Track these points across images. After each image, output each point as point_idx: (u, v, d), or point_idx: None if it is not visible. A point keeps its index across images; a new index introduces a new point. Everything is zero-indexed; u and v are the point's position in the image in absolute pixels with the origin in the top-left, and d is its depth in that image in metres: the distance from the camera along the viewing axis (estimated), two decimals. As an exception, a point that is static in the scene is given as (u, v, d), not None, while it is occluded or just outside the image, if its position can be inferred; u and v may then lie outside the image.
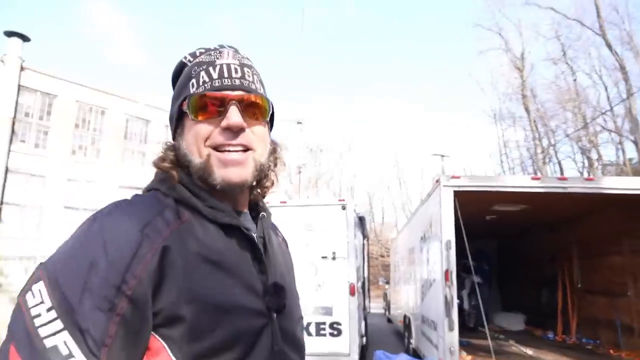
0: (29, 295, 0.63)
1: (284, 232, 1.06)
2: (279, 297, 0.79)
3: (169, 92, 0.88)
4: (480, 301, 6.83)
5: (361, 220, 8.34)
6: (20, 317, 0.62)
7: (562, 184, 4.95)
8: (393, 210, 47.54)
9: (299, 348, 0.85)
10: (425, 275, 6.14)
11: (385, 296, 15.38)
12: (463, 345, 6.14)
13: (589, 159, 37.80)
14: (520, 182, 5.10)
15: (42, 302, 0.62)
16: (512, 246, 10.25)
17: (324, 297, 6.06)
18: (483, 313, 6.92)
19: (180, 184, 0.78)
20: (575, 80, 34.98)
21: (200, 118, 0.77)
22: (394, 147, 59.91)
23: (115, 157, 17.16)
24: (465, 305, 8.35)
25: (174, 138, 0.85)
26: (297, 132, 23.60)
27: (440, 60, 69.02)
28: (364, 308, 8.56)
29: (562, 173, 37.79)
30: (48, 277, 0.64)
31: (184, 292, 0.67)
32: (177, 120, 0.82)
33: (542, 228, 8.45)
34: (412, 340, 7.27)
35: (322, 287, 6.04)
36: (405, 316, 8.43)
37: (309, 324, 5.98)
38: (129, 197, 0.76)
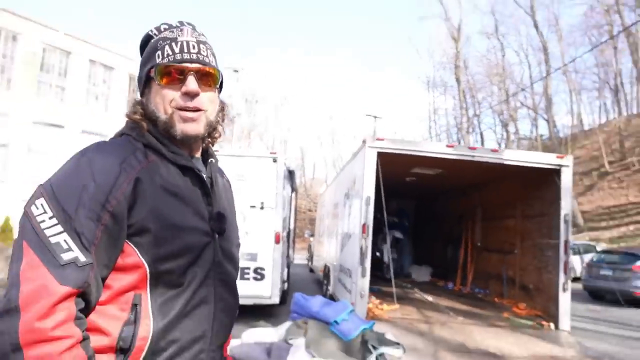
0: (33, 207, 0.85)
1: None
2: (220, 223, 1.04)
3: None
4: (403, 255, 7.61)
5: (291, 174, 8.65)
6: (28, 222, 0.84)
7: (472, 152, 5.55)
8: (324, 166, 48.60)
9: (235, 263, 1.12)
10: (346, 228, 6.63)
11: (309, 248, 16.02)
12: (373, 292, 6.83)
13: (507, 131, 40.87)
14: (437, 148, 5.63)
15: (44, 212, 0.84)
16: (428, 207, 11.18)
17: (250, 244, 6.39)
18: (402, 265, 7.75)
19: (148, 132, 1.00)
20: (504, 56, 36.94)
21: (164, 83, 0.98)
22: (330, 104, 60.43)
23: (29, 90, 15.79)
24: (386, 258, 8.77)
25: (141, 95, 1.05)
26: (233, 81, 23.02)
27: (383, 22, 69.11)
28: (288, 256, 9.03)
29: (482, 143, 40.50)
30: (47, 194, 0.86)
31: (150, 211, 0.91)
32: (145, 82, 1.03)
33: (454, 191, 9.33)
34: (330, 287, 7.87)
35: (249, 235, 6.34)
36: (325, 265, 9.03)
37: (234, 269, 6.29)
38: (106, 140, 0.98)
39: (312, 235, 15.50)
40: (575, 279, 13.16)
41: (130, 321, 0.89)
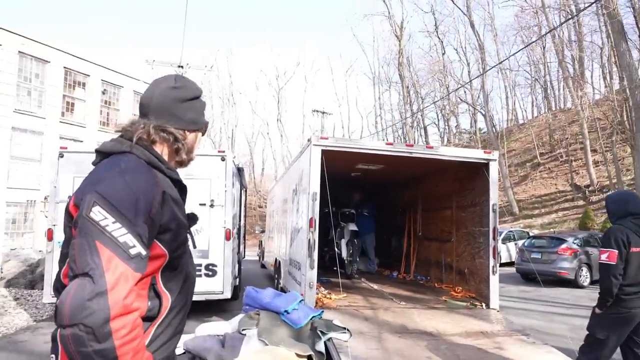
0: (92, 214, 1.08)
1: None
2: (192, 220, 1.44)
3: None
4: (367, 248, 7.89)
5: (240, 171, 8.79)
6: (94, 226, 1.07)
7: (409, 149, 5.95)
8: (273, 162, 48.49)
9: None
10: (295, 223, 6.86)
11: (260, 244, 16.12)
12: (322, 282, 7.14)
13: (448, 126, 42.79)
14: (377, 145, 5.99)
15: (105, 218, 1.08)
16: (374, 199, 11.64)
17: (202, 241, 6.50)
18: (369, 259, 8.12)
19: (151, 154, 1.30)
20: (444, 53, 38.52)
21: (202, 136, 1.49)
22: (278, 99, 60.17)
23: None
24: (344, 254, 8.36)
25: (177, 128, 1.38)
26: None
27: (330, 19, 69.55)
28: (239, 252, 9.17)
29: (426, 136, 42.02)
30: (104, 204, 1.09)
31: (170, 216, 1.24)
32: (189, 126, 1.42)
33: (397, 185, 9.83)
34: (281, 280, 8.09)
35: (199, 232, 6.45)
36: (276, 260, 9.23)
37: (185, 267, 6.36)
38: (126, 158, 1.24)
39: (263, 231, 15.60)
40: (511, 263, 14.22)
41: (153, 296, 1.22)
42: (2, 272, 9.97)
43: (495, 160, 6.12)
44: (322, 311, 5.08)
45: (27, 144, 17.47)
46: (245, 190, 11.13)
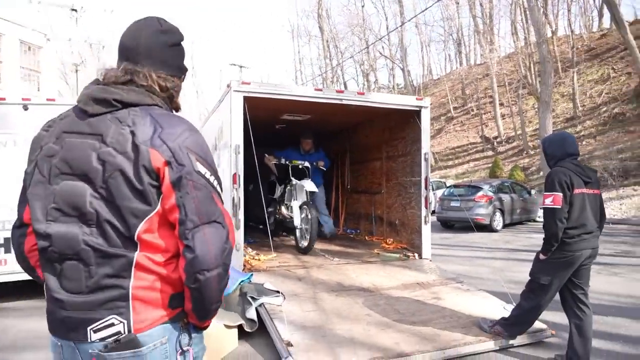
0: (200, 169, 1.19)
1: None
2: None
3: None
4: (320, 211, 6.38)
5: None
6: (204, 179, 1.20)
7: (339, 96, 5.51)
8: (190, 121, 46.06)
9: None
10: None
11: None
12: (249, 243, 6.68)
13: (368, 81, 43.14)
14: (305, 92, 5.47)
15: (207, 172, 1.21)
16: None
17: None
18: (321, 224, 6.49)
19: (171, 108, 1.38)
20: (363, 6, 38.15)
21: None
22: (191, 53, 56.59)
23: None
24: (297, 221, 6.38)
25: (176, 78, 1.38)
26: (71, 22, 19.83)
27: (243, -36, 65.51)
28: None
29: (346, 92, 42.16)
30: (200, 158, 1.21)
31: None
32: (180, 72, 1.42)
33: (325, 137, 9.42)
34: None
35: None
36: None
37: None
38: (165, 112, 1.29)
39: None
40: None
41: None
42: None
43: (427, 107, 5.91)
44: (251, 274, 4.70)
45: None
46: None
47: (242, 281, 4.40)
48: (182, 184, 1.15)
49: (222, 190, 1.27)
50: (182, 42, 1.39)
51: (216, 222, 1.17)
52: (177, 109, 1.38)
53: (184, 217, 1.15)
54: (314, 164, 7.00)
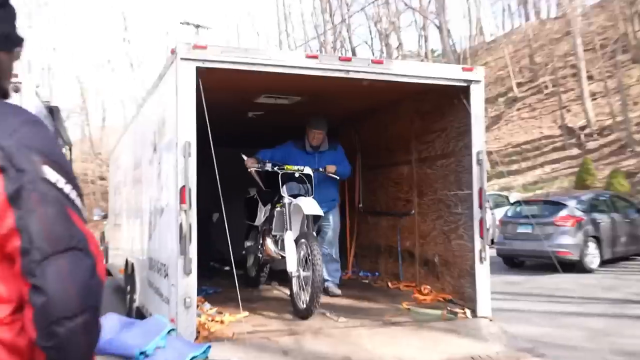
0: (47, 176, 1.23)
1: None
2: None
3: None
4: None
5: (53, 114, 7.77)
6: (55, 190, 1.24)
7: (345, 65, 5.44)
8: (121, 107, 46.59)
9: None
10: (156, 198, 6.24)
11: (102, 237, 15.37)
12: (207, 295, 6.61)
13: (387, 45, 43.55)
14: (293, 59, 5.41)
15: (58, 180, 1.25)
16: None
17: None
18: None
19: None
20: None
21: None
22: (122, 9, 57.28)
23: None
24: (292, 266, 5.91)
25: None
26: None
27: None
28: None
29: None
30: (50, 163, 1.25)
31: None
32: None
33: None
34: (136, 297, 7.54)
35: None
36: (127, 262, 8.66)
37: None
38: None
39: (106, 216, 14.89)
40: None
41: None
42: None
43: (479, 82, 5.94)
44: (209, 346, 4.63)
45: None
46: (70, 149, 10.20)
47: (194, 357, 4.32)
48: (23, 198, 1.17)
49: (84, 205, 1.33)
50: (5, 3, 1.42)
51: (76, 249, 1.20)
52: (6, 95, 1.43)
53: (27, 245, 1.16)
54: (321, 169, 6.64)
